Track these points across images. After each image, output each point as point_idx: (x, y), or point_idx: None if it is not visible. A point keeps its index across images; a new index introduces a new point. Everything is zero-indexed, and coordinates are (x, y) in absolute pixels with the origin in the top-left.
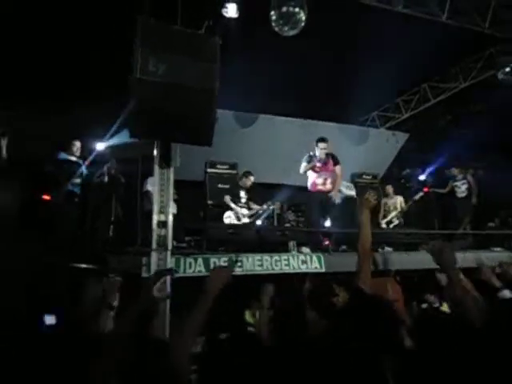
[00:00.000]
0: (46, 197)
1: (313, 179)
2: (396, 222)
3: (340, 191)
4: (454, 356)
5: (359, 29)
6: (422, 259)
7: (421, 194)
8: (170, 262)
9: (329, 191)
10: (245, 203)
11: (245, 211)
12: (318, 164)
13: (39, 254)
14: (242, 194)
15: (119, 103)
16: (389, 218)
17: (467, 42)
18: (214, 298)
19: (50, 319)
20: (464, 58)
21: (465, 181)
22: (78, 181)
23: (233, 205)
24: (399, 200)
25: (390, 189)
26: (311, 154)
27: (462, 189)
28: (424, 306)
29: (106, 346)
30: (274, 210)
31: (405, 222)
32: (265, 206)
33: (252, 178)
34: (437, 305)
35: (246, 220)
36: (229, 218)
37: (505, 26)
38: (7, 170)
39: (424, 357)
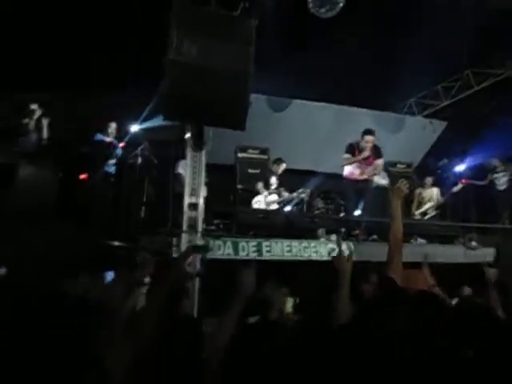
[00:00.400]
0: (83, 176)
1: (350, 169)
2: (432, 213)
3: (372, 180)
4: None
5: (398, 12)
6: (456, 253)
7: (460, 186)
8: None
9: (365, 180)
10: (275, 189)
11: (275, 197)
12: (360, 159)
13: (76, 233)
14: (273, 180)
15: (155, 86)
16: (423, 209)
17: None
18: (247, 298)
19: None
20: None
21: (505, 173)
22: (113, 161)
23: (265, 192)
24: (435, 192)
25: (429, 180)
26: (352, 143)
27: (501, 181)
28: (454, 301)
29: (136, 323)
30: (303, 197)
31: (440, 214)
32: (295, 194)
33: (284, 166)
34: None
35: (274, 206)
36: (258, 202)
37: None
38: (48, 148)
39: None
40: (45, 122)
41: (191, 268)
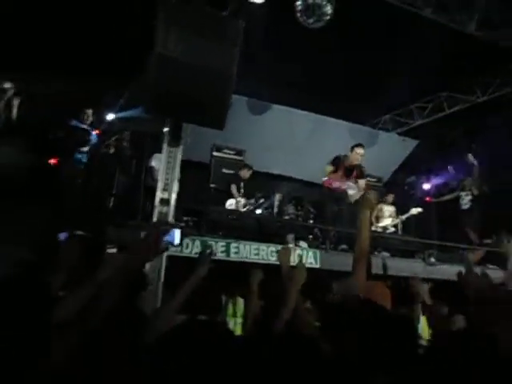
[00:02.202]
0: (54, 161)
1: (329, 180)
2: (391, 229)
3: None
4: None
5: (383, 29)
6: (415, 267)
7: (419, 209)
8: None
9: (342, 191)
10: (243, 194)
11: (243, 202)
12: (339, 176)
13: (41, 219)
14: (241, 185)
15: (135, 77)
16: (384, 223)
17: (490, 55)
18: (200, 279)
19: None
20: (484, 71)
21: (469, 192)
22: (85, 149)
23: (237, 195)
24: (391, 209)
25: (390, 197)
26: (339, 156)
27: (465, 200)
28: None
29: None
30: (273, 201)
31: (404, 229)
32: (262, 200)
33: (251, 171)
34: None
35: (243, 210)
36: (230, 206)
37: None
38: (16, 129)
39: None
40: (16, 101)
41: (155, 246)
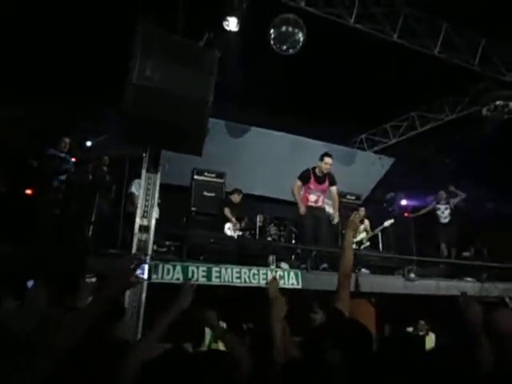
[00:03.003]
0: (29, 191)
1: (305, 195)
2: (366, 243)
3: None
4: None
5: (356, 53)
6: (396, 283)
7: (391, 221)
8: (149, 267)
9: (319, 208)
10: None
11: (238, 225)
12: (312, 186)
13: (18, 251)
14: (233, 208)
15: (112, 104)
16: (358, 238)
17: (457, 75)
18: (180, 312)
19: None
20: (452, 91)
21: (447, 206)
22: (63, 177)
23: (233, 218)
24: (366, 223)
25: (362, 211)
26: (309, 168)
27: (445, 214)
28: (410, 329)
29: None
30: (255, 223)
31: (384, 246)
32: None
33: (241, 195)
34: (423, 332)
35: (238, 233)
36: (229, 229)
37: (492, 65)
38: None
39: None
40: None
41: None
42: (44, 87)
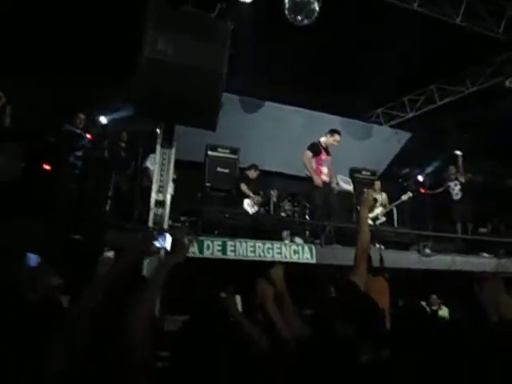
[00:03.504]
0: (47, 167)
1: (318, 167)
2: (382, 219)
3: (338, 185)
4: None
5: (373, 24)
6: (411, 259)
7: (409, 194)
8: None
9: (331, 182)
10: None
11: (258, 199)
12: (324, 157)
13: (38, 226)
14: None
15: (127, 79)
16: (374, 213)
17: (479, 46)
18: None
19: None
20: (474, 62)
21: (457, 181)
22: (79, 153)
23: (251, 193)
24: (384, 196)
25: (377, 184)
26: (316, 142)
27: (455, 190)
28: (423, 303)
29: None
30: (270, 198)
31: (399, 222)
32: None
33: (258, 171)
34: (435, 307)
35: (256, 208)
36: (248, 205)
37: None
38: (11, 136)
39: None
40: (8, 109)
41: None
42: (59, 63)
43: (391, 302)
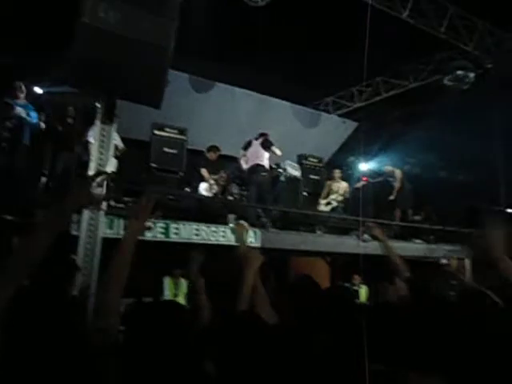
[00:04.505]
0: None
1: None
2: (334, 204)
3: (285, 170)
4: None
5: (325, 10)
6: (350, 243)
7: (362, 182)
8: (103, 222)
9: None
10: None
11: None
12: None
13: None
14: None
15: (64, 48)
16: (329, 198)
17: (423, 43)
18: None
19: None
20: (418, 57)
21: (393, 179)
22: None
23: (210, 179)
24: (344, 185)
25: (337, 173)
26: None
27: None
28: (347, 284)
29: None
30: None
31: (343, 208)
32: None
33: (218, 153)
34: (356, 287)
35: (214, 191)
36: (205, 190)
37: (458, 35)
38: None
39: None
40: None
41: (97, 193)
42: None
43: (331, 283)
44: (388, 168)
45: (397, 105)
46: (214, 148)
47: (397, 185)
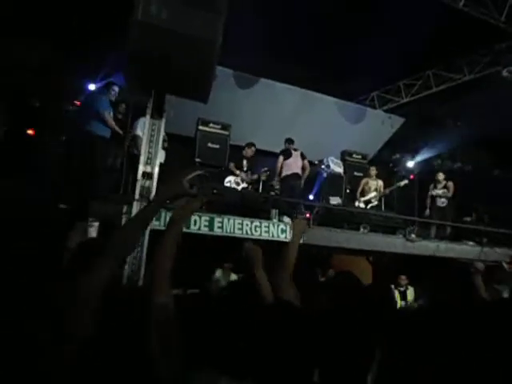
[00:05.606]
0: (31, 132)
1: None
2: (375, 202)
3: (328, 166)
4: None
5: (375, 4)
6: (396, 243)
7: (406, 181)
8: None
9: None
10: (245, 172)
11: (244, 176)
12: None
13: (20, 191)
14: (244, 162)
15: (117, 45)
16: (368, 197)
17: (478, 33)
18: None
19: None
20: (472, 49)
21: (445, 190)
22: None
23: (237, 171)
24: (380, 183)
25: (373, 170)
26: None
27: (442, 199)
28: (392, 285)
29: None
30: (260, 176)
31: (386, 206)
32: (262, 171)
33: (254, 149)
34: (403, 288)
35: (244, 185)
36: (229, 182)
37: None
38: None
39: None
40: None
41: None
42: (48, 24)
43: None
44: (440, 177)
45: (447, 99)
46: (249, 144)
47: (448, 195)
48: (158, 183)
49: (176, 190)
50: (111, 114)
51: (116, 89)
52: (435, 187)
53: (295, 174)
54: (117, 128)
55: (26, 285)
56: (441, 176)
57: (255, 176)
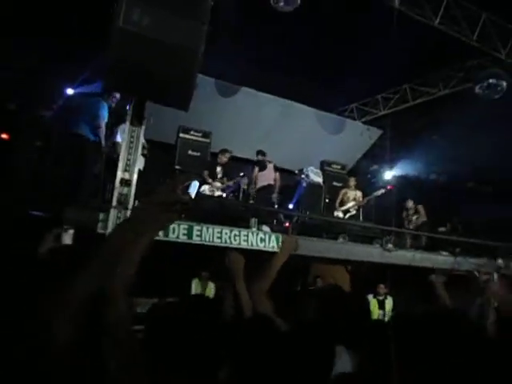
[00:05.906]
0: (5, 136)
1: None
2: (353, 212)
3: (308, 176)
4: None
5: (354, 20)
6: (373, 252)
7: (382, 191)
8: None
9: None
10: (220, 179)
11: (218, 185)
12: None
13: None
14: (218, 169)
15: (96, 51)
16: (346, 206)
17: (453, 50)
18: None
19: None
20: (448, 65)
21: (417, 215)
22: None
23: (210, 180)
24: (358, 194)
25: (352, 181)
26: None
27: (412, 221)
28: (370, 295)
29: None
30: (240, 184)
31: (365, 216)
32: (237, 178)
33: (228, 155)
34: (381, 297)
35: (219, 193)
36: (203, 191)
37: (490, 42)
38: None
39: None
40: None
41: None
42: (28, 27)
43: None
44: (409, 204)
45: (423, 113)
46: (223, 151)
47: (421, 219)
48: (136, 190)
49: (169, 195)
50: (104, 122)
51: (117, 95)
52: (408, 215)
53: (270, 186)
54: (103, 138)
55: None
56: (410, 203)
57: (231, 183)
